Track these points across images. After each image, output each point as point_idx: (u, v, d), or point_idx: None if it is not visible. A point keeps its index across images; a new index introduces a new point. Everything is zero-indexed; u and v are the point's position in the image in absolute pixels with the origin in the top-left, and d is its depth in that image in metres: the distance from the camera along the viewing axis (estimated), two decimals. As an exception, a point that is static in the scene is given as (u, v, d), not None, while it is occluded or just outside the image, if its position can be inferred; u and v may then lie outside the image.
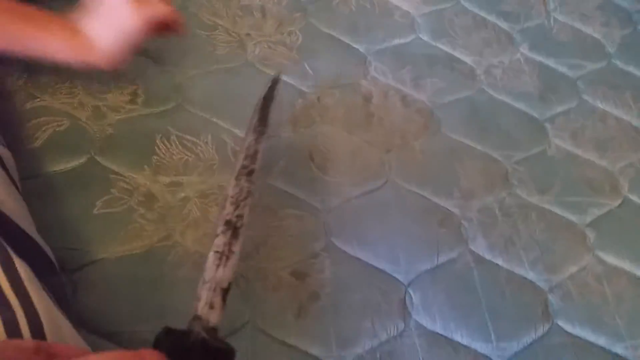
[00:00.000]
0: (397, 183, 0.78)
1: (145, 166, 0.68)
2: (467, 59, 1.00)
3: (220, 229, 0.46)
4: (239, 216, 0.47)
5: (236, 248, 0.45)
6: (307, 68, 0.88)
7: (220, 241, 0.45)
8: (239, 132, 0.75)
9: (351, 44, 0.95)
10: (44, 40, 0.58)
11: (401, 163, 0.81)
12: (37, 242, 0.51)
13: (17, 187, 0.57)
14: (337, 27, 0.96)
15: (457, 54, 1.01)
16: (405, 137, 0.84)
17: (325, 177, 0.75)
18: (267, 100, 0.65)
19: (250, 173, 0.52)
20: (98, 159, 0.66)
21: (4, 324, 0.37)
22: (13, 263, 0.39)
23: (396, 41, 0.99)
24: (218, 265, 0.43)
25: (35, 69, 0.70)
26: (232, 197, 0.49)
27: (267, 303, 0.63)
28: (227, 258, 0.43)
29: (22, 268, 0.40)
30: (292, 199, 0.72)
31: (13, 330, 0.37)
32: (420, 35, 1.01)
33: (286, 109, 0.81)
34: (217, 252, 0.44)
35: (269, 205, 0.70)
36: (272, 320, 0.62)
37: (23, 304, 0.38)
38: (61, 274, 0.55)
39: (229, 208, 0.47)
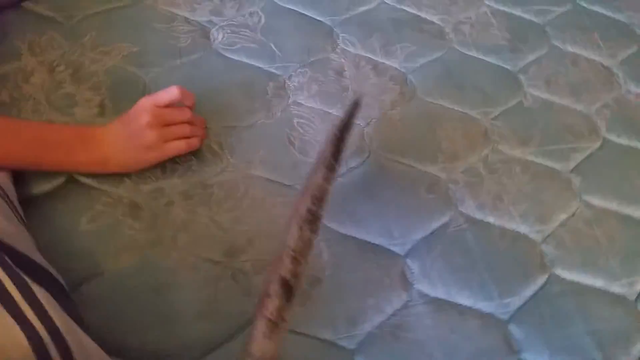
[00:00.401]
0: (380, 155, 0.78)
1: (125, 178, 0.66)
2: (435, 19, 0.99)
3: (274, 287, 0.43)
4: (296, 275, 0.45)
5: (288, 314, 0.42)
6: (274, 49, 0.86)
7: (272, 305, 0.42)
8: (216, 127, 0.74)
9: (315, 17, 0.93)
10: (67, 162, 0.62)
11: (381, 134, 0.80)
12: (46, 268, 0.50)
13: (18, 213, 0.55)
14: (297, 1, 0.93)
15: (423, 14, 0.99)
16: (382, 107, 0.83)
17: (307, 159, 0.74)
18: (344, 129, 0.60)
19: (316, 221, 0.49)
20: (77, 176, 0.64)
21: (34, 350, 0.37)
22: (31, 288, 0.39)
23: (361, 8, 0.97)
24: (266, 337, 0.41)
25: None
26: (292, 249, 0.45)
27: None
28: (277, 328, 0.41)
29: (40, 293, 0.40)
30: (278, 186, 0.71)
31: (43, 355, 0.37)
32: (385, 0, 0.99)
33: (257, 94, 0.80)
34: (268, 319, 0.41)
35: (255, 196, 0.69)
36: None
37: (48, 327, 0.38)
38: (70, 296, 0.54)
39: (287, 262, 0.44)
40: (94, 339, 0.53)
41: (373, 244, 0.69)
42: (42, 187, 0.63)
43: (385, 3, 0.99)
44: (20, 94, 0.69)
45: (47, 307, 0.39)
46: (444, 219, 0.74)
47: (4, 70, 0.72)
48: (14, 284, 0.39)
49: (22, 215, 0.58)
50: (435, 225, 0.73)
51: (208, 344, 0.58)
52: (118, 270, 0.60)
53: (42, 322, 0.38)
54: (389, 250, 0.69)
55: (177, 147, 0.65)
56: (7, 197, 0.54)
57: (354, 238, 0.69)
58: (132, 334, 0.57)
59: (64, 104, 0.70)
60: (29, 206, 0.61)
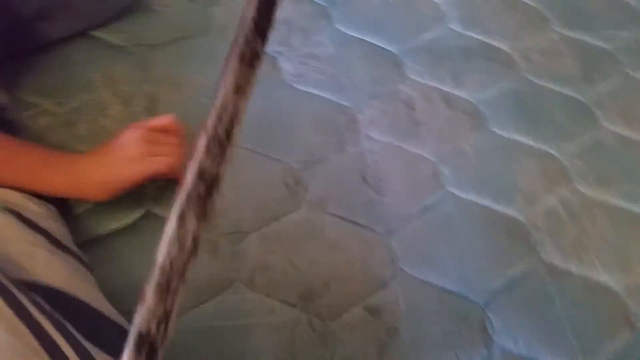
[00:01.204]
0: (455, 194, 0.75)
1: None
2: (502, 46, 0.96)
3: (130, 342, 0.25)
4: (161, 318, 0.26)
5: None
6: (343, 79, 0.84)
7: None
8: (289, 161, 0.72)
9: (382, 45, 0.91)
10: (46, 180, 0.57)
11: (456, 171, 0.77)
12: (115, 320, 0.49)
13: (80, 258, 0.54)
14: (362, 28, 0.91)
15: (491, 41, 0.96)
16: (455, 141, 0.81)
17: (381, 198, 0.72)
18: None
19: (211, 189, 0.28)
20: (155, 211, 0.63)
21: None
22: None
23: (427, 35, 0.94)
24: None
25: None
26: (160, 268, 0.26)
27: (346, 344, 0.61)
28: None
29: None
30: (353, 227, 0.69)
31: None
32: (450, 26, 0.97)
33: (328, 127, 0.78)
34: None
35: (330, 237, 0.67)
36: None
37: None
38: None
39: (149, 300, 0.26)
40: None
41: (451, 291, 0.67)
42: (116, 224, 0.62)
43: (451, 29, 0.96)
44: (99, 128, 0.69)
45: None
46: (525, 266, 0.71)
47: (79, 103, 0.71)
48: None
49: (86, 259, 0.57)
50: (515, 272, 0.70)
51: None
52: (196, 309, 0.59)
53: None
54: (468, 299, 0.67)
55: (160, 161, 0.62)
56: (67, 247, 0.53)
57: (431, 284, 0.67)
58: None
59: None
60: (101, 246, 0.60)
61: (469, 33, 0.96)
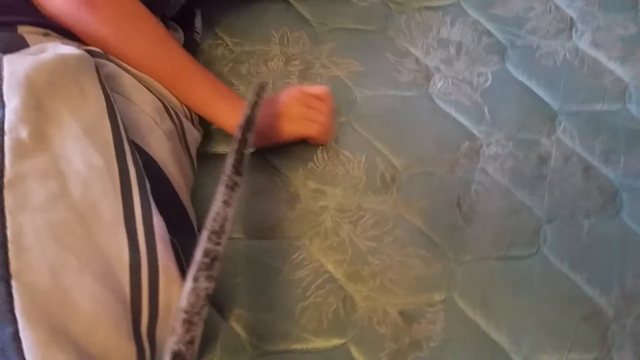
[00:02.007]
0: (548, 259, 0.71)
1: (300, 169, 0.72)
2: (680, 145, 0.86)
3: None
4: (191, 342, 0.40)
5: None
6: (486, 112, 0.84)
7: None
8: (395, 160, 0.76)
9: (544, 97, 0.88)
10: (214, 111, 0.66)
11: (560, 238, 0.73)
12: (185, 207, 0.57)
13: (190, 157, 0.65)
14: (533, 77, 0.90)
15: (667, 135, 0.87)
16: (574, 211, 0.76)
17: (467, 227, 0.72)
18: (247, 128, 0.58)
19: (212, 265, 0.44)
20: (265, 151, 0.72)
21: (130, 264, 0.43)
22: (152, 218, 0.45)
23: (598, 107, 0.89)
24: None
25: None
26: (185, 311, 0.41)
27: (366, 334, 0.62)
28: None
29: (158, 225, 0.46)
30: (426, 239, 0.70)
31: (135, 272, 0.43)
32: (629, 107, 0.90)
33: (449, 147, 0.79)
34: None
35: (399, 237, 0.69)
36: (366, 352, 0.61)
37: (149, 255, 0.44)
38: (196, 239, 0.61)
39: (178, 331, 0.40)
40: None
41: (494, 341, 0.64)
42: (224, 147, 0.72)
43: (628, 110, 0.90)
44: (255, 72, 0.81)
45: (157, 239, 0.44)
46: (587, 356, 0.64)
47: (252, 48, 0.84)
48: (142, 207, 0.45)
49: (194, 160, 0.66)
50: (573, 357, 0.64)
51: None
52: (253, 240, 0.66)
53: (148, 248, 0.43)
54: (510, 357, 0.63)
55: (312, 127, 0.69)
56: (185, 135, 0.62)
57: (477, 325, 0.65)
58: (232, 303, 0.62)
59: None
60: (210, 161, 0.70)
61: (646, 119, 0.89)
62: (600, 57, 0.94)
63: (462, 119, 0.83)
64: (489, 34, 0.94)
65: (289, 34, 0.87)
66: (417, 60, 0.88)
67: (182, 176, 0.59)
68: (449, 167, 0.77)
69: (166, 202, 0.49)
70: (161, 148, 0.55)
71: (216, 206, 0.48)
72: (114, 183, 0.44)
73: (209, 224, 0.46)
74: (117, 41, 0.58)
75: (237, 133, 0.56)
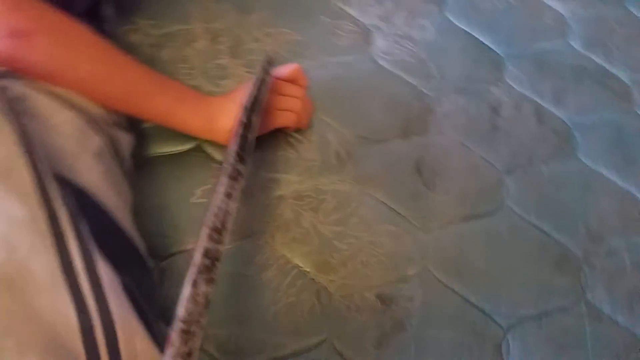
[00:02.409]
0: (513, 210, 0.70)
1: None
2: (623, 76, 0.86)
3: None
4: (187, 355, 0.36)
5: None
6: (432, 68, 0.81)
7: None
8: (347, 133, 0.71)
9: (488, 43, 0.86)
10: (179, 117, 0.59)
11: (522, 188, 0.72)
12: (130, 236, 0.51)
13: (123, 166, 0.57)
14: (475, 24, 0.87)
15: (611, 68, 0.87)
16: (532, 158, 0.75)
17: (430, 193, 0.69)
18: (252, 110, 0.53)
19: (213, 267, 0.40)
20: (205, 146, 0.66)
21: (81, 328, 0.37)
22: (95, 267, 0.39)
23: (542, 45, 0.87)
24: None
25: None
26: (182, 320, 0.37)
27: (347, 325, 0.59)
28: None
29: (105, 272, 0.40)
30: (391, 213, 0.67)
31: (88, 335, 0.37)
32: (571, 42, 0.89)
33: (399, 111, 0.76)
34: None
35: (364, 216, 0.66)
36: (350, 344, 0.58)
37: (101, 311, 0.38)
38: (149, 269, 0.55)
39: (175, 342, 0.36)
40: (168, 310, 0.54)
41: (475, 305, 0.63)
42: (169, 149, 0.65)
43: (571, 46, 0.89)
44: (180, 56, 0.73)
45: (106, 289, 0.38)
46: (565, 302, 0.64)
47: (171, 30, 0.76)
48: (82, 256, 0.39)
49: (131, 169, 0.59)
50: (551, 306, 0.64)
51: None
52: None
53: (97, 303, 0.38)
54: (491, 317, 0.62)
55: (288, 117, 0.65)
56: (116, 147, 0.55)
57: (455, 292, 0.63)
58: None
59: (216, 74, 0.72)
60: (151, 164, 0.64)
61: (588, 53, 0.88)
62: (537, -7, 0.91)
63: (409, 78, 0.79)
64: (423, -18, 0.89)
65: (211, 7, 0.79)
66: (354, 20, 0.83)
67: (120, 198, 0.52)
68: (402, 132, 0.74)
69: (107, 238, 0.43)
70: (91, 174, 0.48)
71: (217, 199, 0.43)
72: (42, 234, 0.38)
73: (209, 220, 0.41)
74: (59, 70, 0.50)
75: (240, 115, 0.50)
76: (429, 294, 0.62)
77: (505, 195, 0.71)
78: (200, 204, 0.62)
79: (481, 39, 0.86)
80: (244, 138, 0.50)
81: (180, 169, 0.64)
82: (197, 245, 0.41)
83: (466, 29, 0.86)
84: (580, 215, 0.71)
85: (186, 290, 0.38)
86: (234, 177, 0.46)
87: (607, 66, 0.87)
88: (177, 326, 0.37)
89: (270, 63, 0.62)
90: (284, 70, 0.65)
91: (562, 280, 0.66)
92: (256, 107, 0.54)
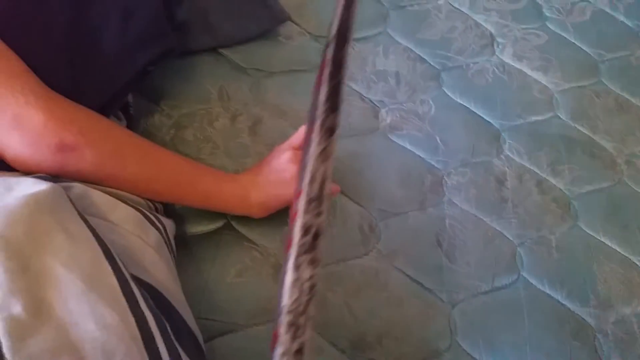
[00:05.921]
0: (529, 282, 0.73)
1: (277, 237, 0.67)
2: (608, 146, 0.93)
3: None
4: (297, 352, 0.31)
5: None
6: (438, 141, 0.85)
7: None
8: (368, 206, 0.73)
9: (485, 117, 0.91)
10: (217, 197, 0.62)
11: (534, 258, 0.75)
12: (193, 329, 0.50)
13: (173, 253, 0.57)
14: (471, 98, 0.92)
15: (596, 138, 0.94)
16: (540, 229, 0.79)
17: (452, 265, 0.71)
18: (342, 35, 0.39)
19: (315, 240, 0.33)
20: (234, 224, 0.67)
21: None
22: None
23: (533, 118, 0.93)
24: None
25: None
26: (288, 311, 0.31)
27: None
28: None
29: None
30: (417, 287, 0.69)
31: None
32: (559, 114, 0.95)
33: (414, 184, 0.79)
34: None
35: (392, 292, 0.67)
36: None
37: None
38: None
39: (283, 338, 0.31)
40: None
41: (504, 378, 0.64)
42: (200, 228, 0.66)
43: (559, 117, 0.95)
44: (204, 136, 0.74)
45: None
46: (587, 372, 0.67)
47: (192, 110, 0.77)
48: (170, 357, 0.39)
49: (175, 253, 0.60)
50: (575, 377, 0.66)
51: None
52: (251, 330, 0.60)
53: None
54: (521, 391, 0.64)
55: None
56: (168, 239, 0.56)
57: (485, 366, 0.65)
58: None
59: (238, 153, 0.74)
60: (184, 245, 0.64)
61: (575, 124, 0.95)
62: (525, 68, 0.98)
63: (418, 152, 0.82)
64: (421, 60, 0.95)
65: (226, 87, 0.81)
66: (361, 96, 0.87)
67: (178, 289, 0.52)
68: (419, 205, 0.77)
69: (179, 335, 0.43)
70: (157, 270, 0.48)
71: (310, 162, 0.34)
72: (135, 340, 0.37)
73: (305, 188, 0.33)
74: (108, 175, 0.52)
75: (328, 51, 0.38)
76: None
77: (520, 266, 0.74)
78: (235, 284, 0.63)
79: (478, 112, 0.91)
80: (335, 80, 0.37)
81: (213, 248, 0.65)
82: (295, 222, 0.33)
83: (464, 104, 0.91)
84: (589, 284, 0.75)
85: (288, 277, 0.31)
86: (329, 128, 0.36)
87: (594, 137, 0.93)
88: (283, 319, 0.31)
89: None
90: (298, 138, 0.67)
91: (580, 352, 0.68)
92: (348, 37, 0.39)
